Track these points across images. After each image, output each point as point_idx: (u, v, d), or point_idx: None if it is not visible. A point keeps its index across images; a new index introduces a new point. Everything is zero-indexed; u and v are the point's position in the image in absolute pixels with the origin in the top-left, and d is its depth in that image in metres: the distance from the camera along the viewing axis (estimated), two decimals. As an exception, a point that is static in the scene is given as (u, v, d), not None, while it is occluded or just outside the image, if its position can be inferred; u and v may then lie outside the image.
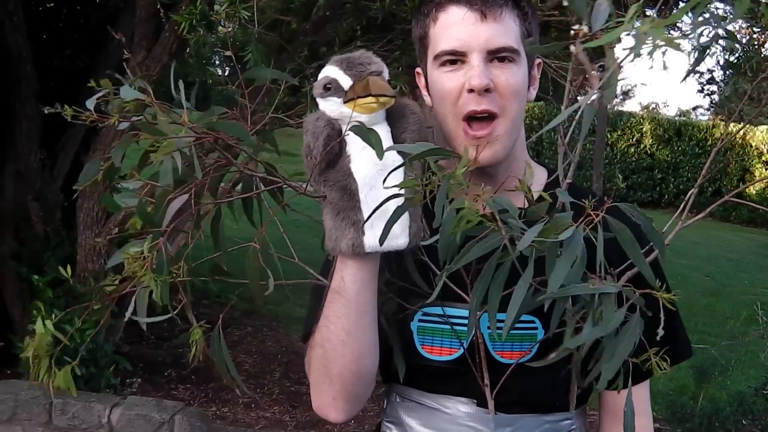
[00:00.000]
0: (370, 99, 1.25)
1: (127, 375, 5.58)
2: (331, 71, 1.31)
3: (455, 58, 1.43)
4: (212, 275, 1.28)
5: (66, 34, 7.03)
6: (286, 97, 3.73)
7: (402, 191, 1.21)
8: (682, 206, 1.36)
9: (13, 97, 5.83)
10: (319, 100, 1.34)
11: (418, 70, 1.57)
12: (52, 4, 7.11)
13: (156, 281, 1.13)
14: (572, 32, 1.05)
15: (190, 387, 5.73)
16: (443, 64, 1.45)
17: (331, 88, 1.29)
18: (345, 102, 1.28)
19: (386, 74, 1.32)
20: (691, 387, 5.46)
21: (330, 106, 1.31)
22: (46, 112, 1.16)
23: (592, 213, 1.07)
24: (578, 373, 1.39)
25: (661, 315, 1.12)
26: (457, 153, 1.18)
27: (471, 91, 1.40)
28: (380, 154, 1.22)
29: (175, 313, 1.23)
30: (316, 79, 1.35)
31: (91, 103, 1.18)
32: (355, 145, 1.30)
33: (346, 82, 1.28)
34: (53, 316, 1.34)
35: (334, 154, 1.31)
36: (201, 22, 3.47)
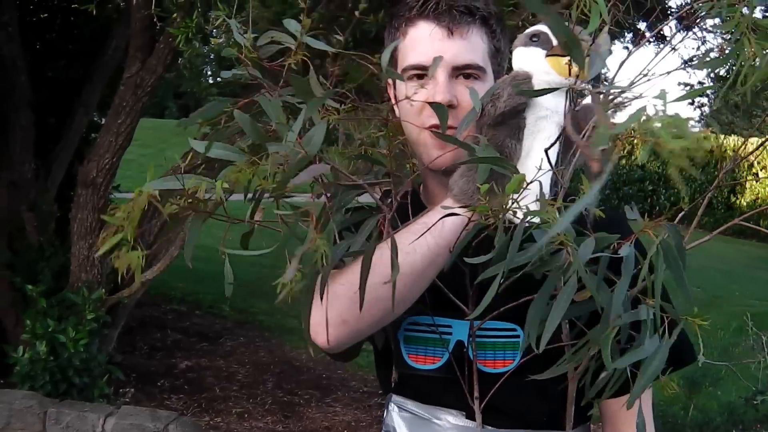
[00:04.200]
0: None
1: (120, 385, 5.59)
2: (543, 28, 1.31)
3: (421, 73, 1.45)
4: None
5: (60, 44, 7.05)
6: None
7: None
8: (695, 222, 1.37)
9: (7, 106, 5.84)
10: (518, 49, 1.34)
11: (389, 81, 1.58)
12: (46, 15, 7.12)
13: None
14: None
15: (183, 397, 5.74)
16: (410, 78, 1.47)
17: (539, 39, 1.30)
18: (547, 56, 1.28)
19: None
20: (682, 397, 5.49)
21: (529, 55, 1.31)
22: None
23: (649, 232, 1.09)
24: (586, 388, 1.33)
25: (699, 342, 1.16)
26: (513, 165, 1.17)
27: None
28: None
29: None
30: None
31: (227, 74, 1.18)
32: (534, 114, 1.31)
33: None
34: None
35: (512, 113, 1.31)
36: (197, 35, 3.50)
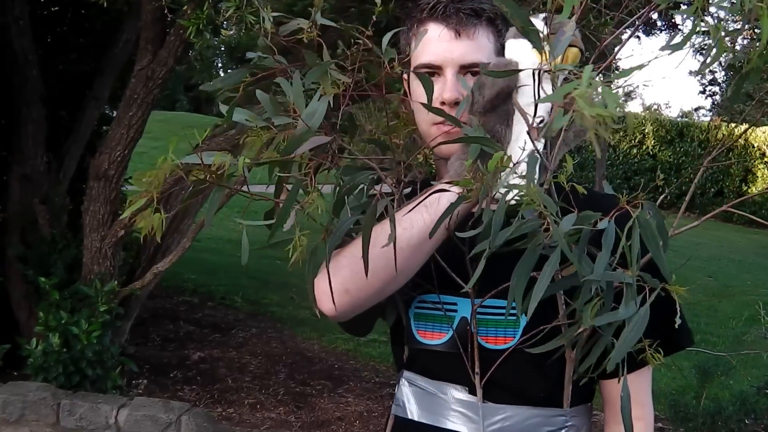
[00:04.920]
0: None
1: (133, 376, 5.62)
2: (533, 20, 1.38)
3: (432, 71, 1.57)
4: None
5: (71, 37, 7.06)
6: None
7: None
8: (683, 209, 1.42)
9: (19, 100, 5.87)
10: (510, 41, 1.44)
11: (405, 76, 1.69)
12: (57, 8, 7.14)
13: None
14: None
15: (195, 388, 5.76)
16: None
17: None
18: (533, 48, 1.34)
19: (581, 45, 1.39)
20: (694, 387, 5.48)
21: (518, 46, 1.39)
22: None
23: (628, 207, 1.17)
24: (576, 366, 1.43)
25: (677, 307, 1.23)
26: (496, 144, 1.26)
27: (443, 103, 1.53)
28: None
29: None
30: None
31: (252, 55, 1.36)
32: (522, 101, 1.37)
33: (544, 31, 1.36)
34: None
35: (501, 98, 1.40)
36: (207, 26, 3.51)
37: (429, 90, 1.41)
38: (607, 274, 1.16)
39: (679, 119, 24.38)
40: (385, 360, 6.68)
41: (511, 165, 1.18)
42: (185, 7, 3.98)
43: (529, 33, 1.13)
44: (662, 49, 1.12)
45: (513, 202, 1.15)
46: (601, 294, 1.20)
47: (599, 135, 0.90)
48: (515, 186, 1.13)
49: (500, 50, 1.56)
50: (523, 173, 1.21)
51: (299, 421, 5.39)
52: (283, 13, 1.47)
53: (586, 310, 1.20)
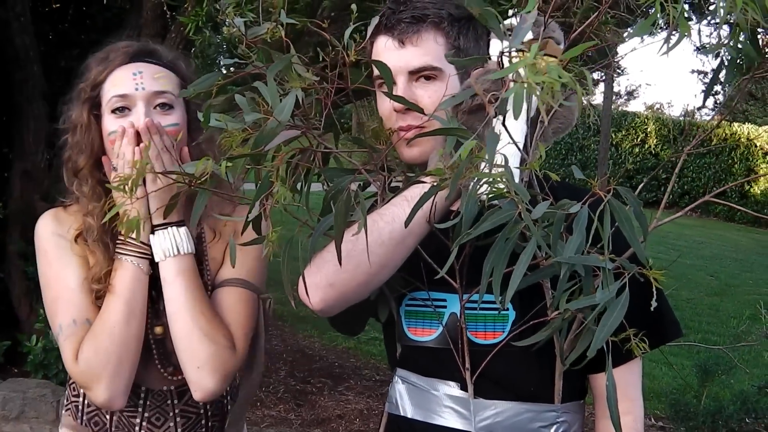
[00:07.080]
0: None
1: (134, 373, 5.60)
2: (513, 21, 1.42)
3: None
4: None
5: (72, 34, 7.05)
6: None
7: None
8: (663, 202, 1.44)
9: (20, 97, 5.85)
10: (494, 40, 1.51)
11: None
12: (58, 5, 7.13)
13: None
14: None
15: (196, 385, 5.75)
16: (380, 85, 1.66)
17: (512, 33, 1.38)
18: (517, 51, 1.35)
19: (559, 37, 1.44)
20: (695, 386, 5.48)
21: (500, 47, 1.42)
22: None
23: (600, 192, 1.20)
24: (562, 358, 1.46)
25: (654, 290, 1.23)
26: (469, 133, 1.26)
27: (395, 110, 1.59)
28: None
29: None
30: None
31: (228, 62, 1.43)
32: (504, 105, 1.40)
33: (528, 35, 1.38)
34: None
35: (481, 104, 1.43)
36: (207, 23, 3.50)
37: (388, 77, 1.47)
38: (577, 258, 1.17)
39: (681, 118, 24.38)
40: (385, 358, 6.65)
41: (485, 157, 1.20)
42: (185, 4, 3.97)
43: (487, 19, 1.16)
44: (630, 36, 1.16)
45: (485, 193, 1.19)
46: (579, 280, 1.22)
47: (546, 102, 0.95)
48: (486, 174, 1.15)
49: (454, 51, 1.60)
50: (497, 164, 1.22)
51: (299, 418, 5.39)
52: (284, 9, 1.48)
53: (563, 295, 1.22)
